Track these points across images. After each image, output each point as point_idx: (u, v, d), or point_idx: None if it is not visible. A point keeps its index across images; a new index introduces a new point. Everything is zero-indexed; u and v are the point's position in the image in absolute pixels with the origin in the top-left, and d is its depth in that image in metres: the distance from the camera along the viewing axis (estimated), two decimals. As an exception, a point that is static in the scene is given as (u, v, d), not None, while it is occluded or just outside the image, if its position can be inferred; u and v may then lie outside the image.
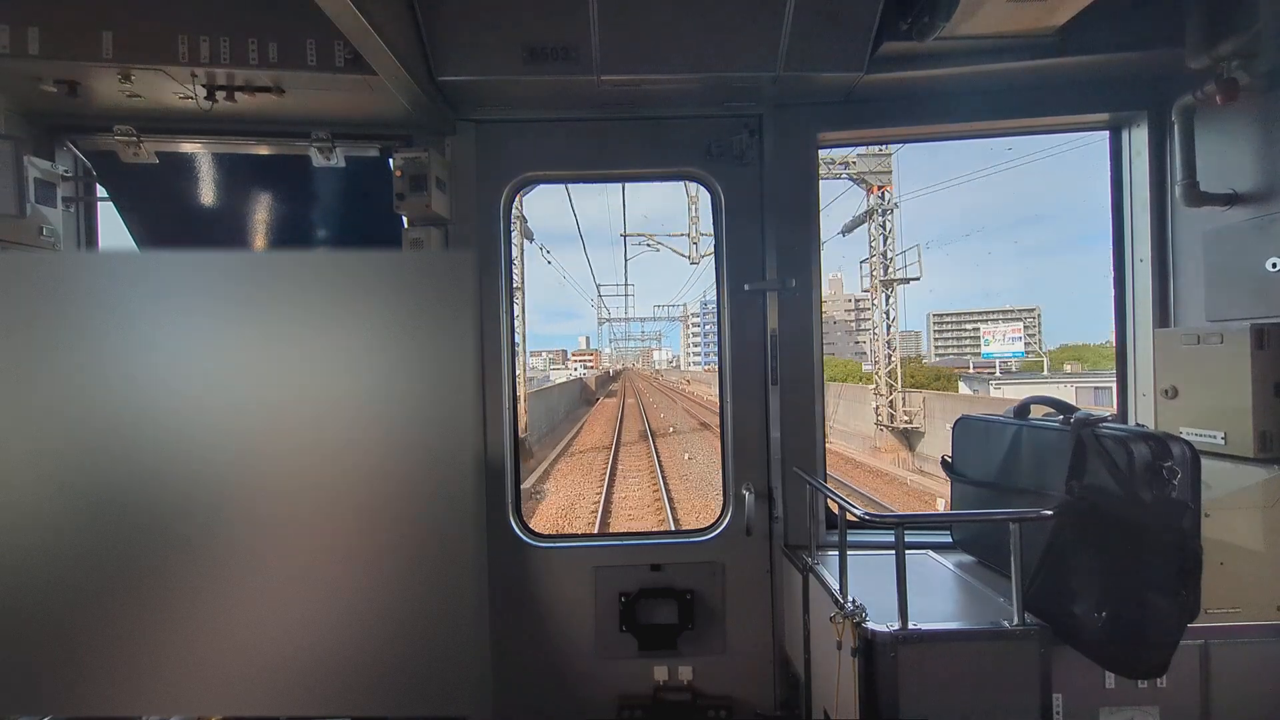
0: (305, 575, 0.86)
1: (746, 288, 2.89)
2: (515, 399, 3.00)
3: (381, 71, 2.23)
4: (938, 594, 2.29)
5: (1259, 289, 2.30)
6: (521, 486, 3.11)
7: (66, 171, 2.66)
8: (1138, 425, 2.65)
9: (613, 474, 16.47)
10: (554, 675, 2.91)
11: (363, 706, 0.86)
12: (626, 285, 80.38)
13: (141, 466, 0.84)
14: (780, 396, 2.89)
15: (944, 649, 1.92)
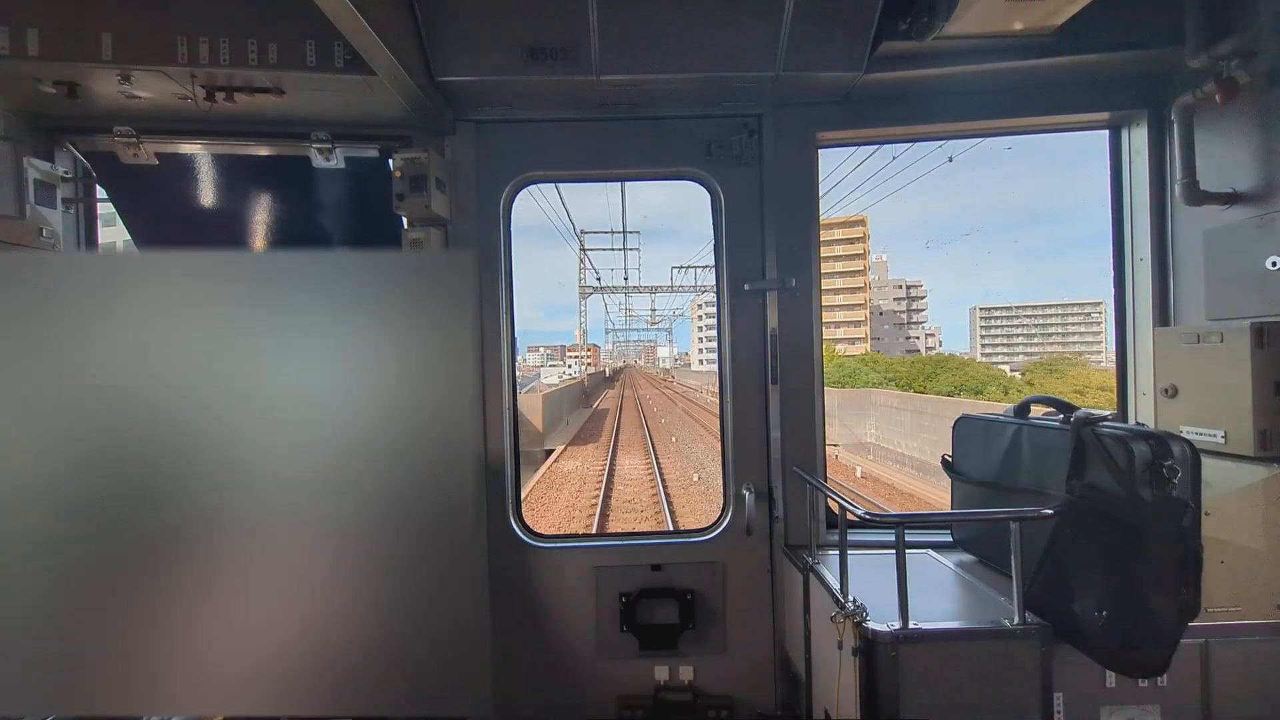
0: (305, 575, 0.86)
1: (746, 287, 2.90)
2: (515, 399, 3.00)
3: (381, 72, 2.23)
4: (938, 593, 2.29)
5: (1259, 287, 2.30)
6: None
7: (66, 173, 2.66)
8: (1138, 424, 2.65)
9: None
10: (554, 675, 2.91)
11: (363, 706, 0.86)
12: (625, 234, 44.01)
13: (141, 466, 0.84)
14: (780, 396, 2.89)
15: (945, 648, 1.92)
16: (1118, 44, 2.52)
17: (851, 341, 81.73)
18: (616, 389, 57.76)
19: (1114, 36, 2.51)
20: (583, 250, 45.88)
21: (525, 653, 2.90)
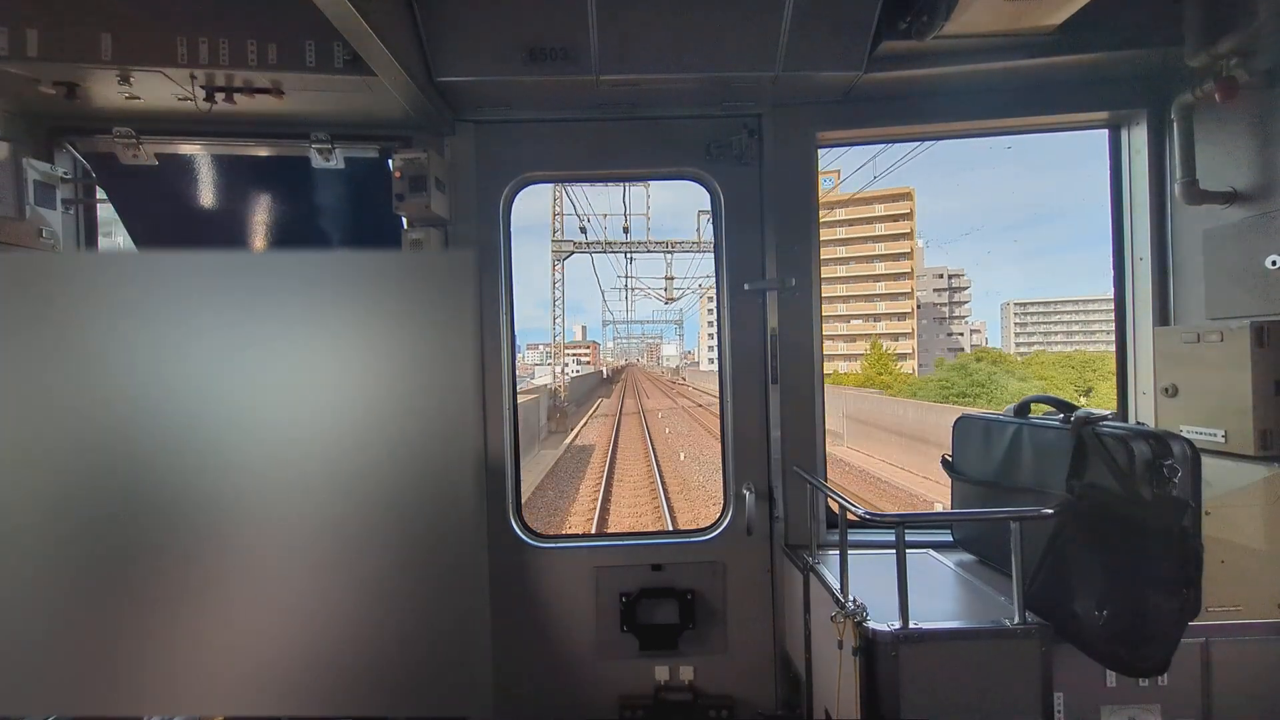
0: (305, 575, 0.86)
1: (746, 287, 2.90)
2: (515, 399, 3.00)
3: (380, 72, 2.23)
4: (939, 593, 2.29)
5: (1259, 286, 2.30)
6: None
7: (66, 173, 2.66)
8: (1138, 423, 2.65)
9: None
10: (554, 675, 2.91)
11: (363, 706, 0.86)
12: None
13: (141, 467, 0.84)
14: (780, 396, 2.89)
15: (945, 648, 1.92)
16: (1118, 44, 2.52)
17: (895, 337, 69.33)
18: (614, 397, 43.03)
19: (1114, 36, 2.51)
20: (562, 185, 27.01)
21: (525, 653, 2.90)
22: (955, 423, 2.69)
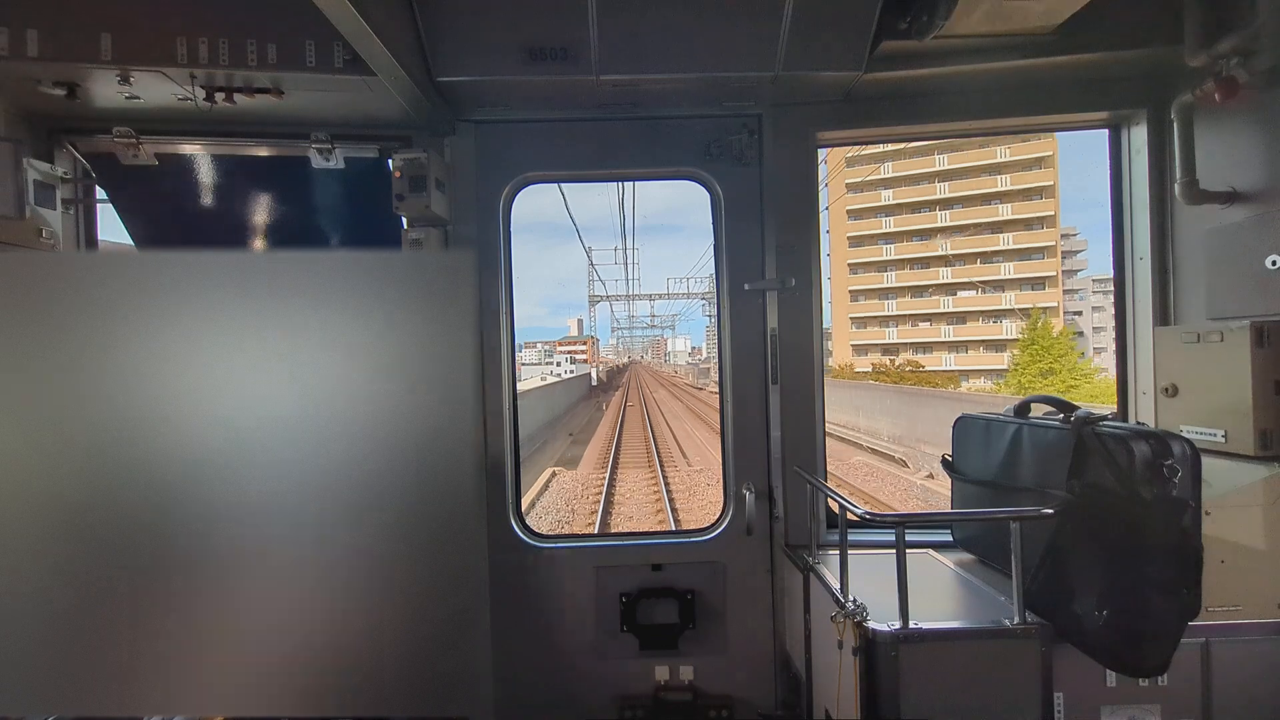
0: (306, 575, 0.86)
1: (746, 287, 2.90)
2: (515, 399, 3.01)
3: (380, 72, 2.23)
4: (939, 593, 2.29)
5: (1259, 286, 2.30)
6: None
7: (66, 173, 2.66)
8: (1138, 423, 2.65)
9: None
10: (554, 675, 2.91)
11: (363, 706, 0.86)
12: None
13: (141, 466, 0.84)
14: (780, 396, 2.89)
15: (945, 648, 1.92)
16: (1118, 44, 2.52)
17: (1023, 314, 45.75)
18: (606, 426, 25.19)
19: (1114, 36, 2.51)
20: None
21: (525, 653, 2.90)
22: (955, 422, 2.69)
